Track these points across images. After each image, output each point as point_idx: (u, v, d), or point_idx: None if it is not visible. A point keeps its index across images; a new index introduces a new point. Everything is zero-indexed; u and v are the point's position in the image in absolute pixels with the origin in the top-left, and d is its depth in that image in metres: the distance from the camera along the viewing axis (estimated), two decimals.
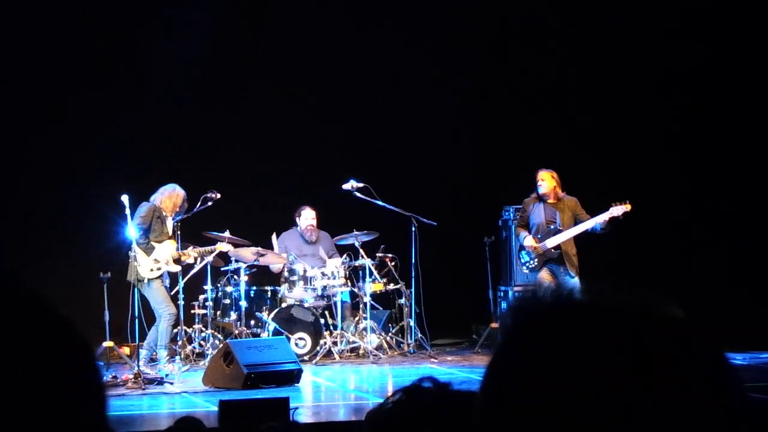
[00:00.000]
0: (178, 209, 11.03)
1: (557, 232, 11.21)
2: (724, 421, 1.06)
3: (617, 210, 11.02)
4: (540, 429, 1.05)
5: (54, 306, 1.20)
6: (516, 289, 12.60)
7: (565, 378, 1.05)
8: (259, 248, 11.64)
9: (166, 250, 10.93)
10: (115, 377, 10.06)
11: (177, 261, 11.11)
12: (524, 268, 11.51)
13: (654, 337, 1.07)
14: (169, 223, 11.02)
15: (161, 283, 10.84)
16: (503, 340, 1.14)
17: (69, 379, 1.16)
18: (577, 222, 11.25)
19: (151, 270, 10.78)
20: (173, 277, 11.06)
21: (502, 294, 12.87)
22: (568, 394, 1.05)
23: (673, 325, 1.09)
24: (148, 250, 10.83)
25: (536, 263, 11.30)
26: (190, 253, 11.19)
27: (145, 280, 10.70)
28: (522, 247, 11.42)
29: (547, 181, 11.29)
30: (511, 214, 12.76)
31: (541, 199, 11.36)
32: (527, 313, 1.12)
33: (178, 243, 11.09)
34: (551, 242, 11.19)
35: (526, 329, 1.11)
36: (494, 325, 12.52)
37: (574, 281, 10.96)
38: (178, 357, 10.87)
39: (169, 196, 10.99)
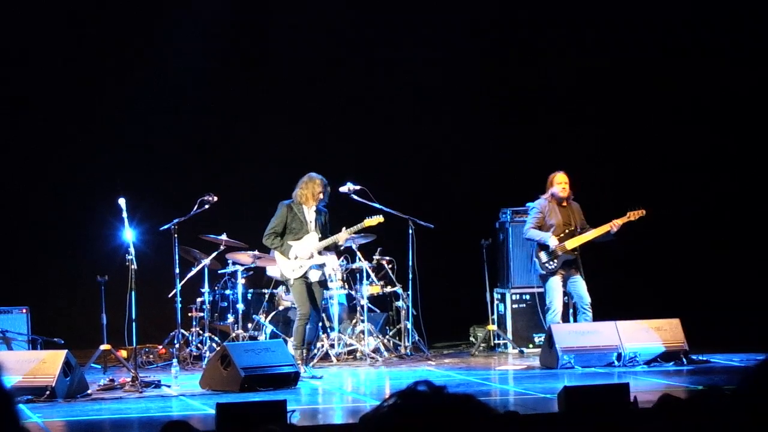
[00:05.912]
0: (321, 197, 10.74)
1: (574, 234, 11.18)
2: None
3: (634, 215, 11.07)
4: None
5: None
6: (513, 291, 12.61)
7: None
8: (256, 251, 11.58)
9: (307, 246, 10.72)
10: (112, 380, 10.05)
11: (326, 250, 10.90)
12: (542, 269, 11.24)
13: None
14: (311, 215, 10.78)
15: (303, 281, 10.67)
16: None
17: None
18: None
19: (293, 270, 10.70)
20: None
21: (499, 296, 12.86)
22: None
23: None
24: (285, 251, 10.71)
25: (555, 264, 11.19)
26: (340, 237, 10.92)
27: (291, 281, 10.72)
28: (542, 248, 11.23)
29: (566, 183, 11.23)
30: (509, 216, 12.75)
31: (556, 200, 11.28)
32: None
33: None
34: (571, 244, 11.14)
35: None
36: (492, 327, 12.53)
37: (582, 282, 11.13)
38: (175, 360, 10.85)
39: (306, 186, 10.72)
